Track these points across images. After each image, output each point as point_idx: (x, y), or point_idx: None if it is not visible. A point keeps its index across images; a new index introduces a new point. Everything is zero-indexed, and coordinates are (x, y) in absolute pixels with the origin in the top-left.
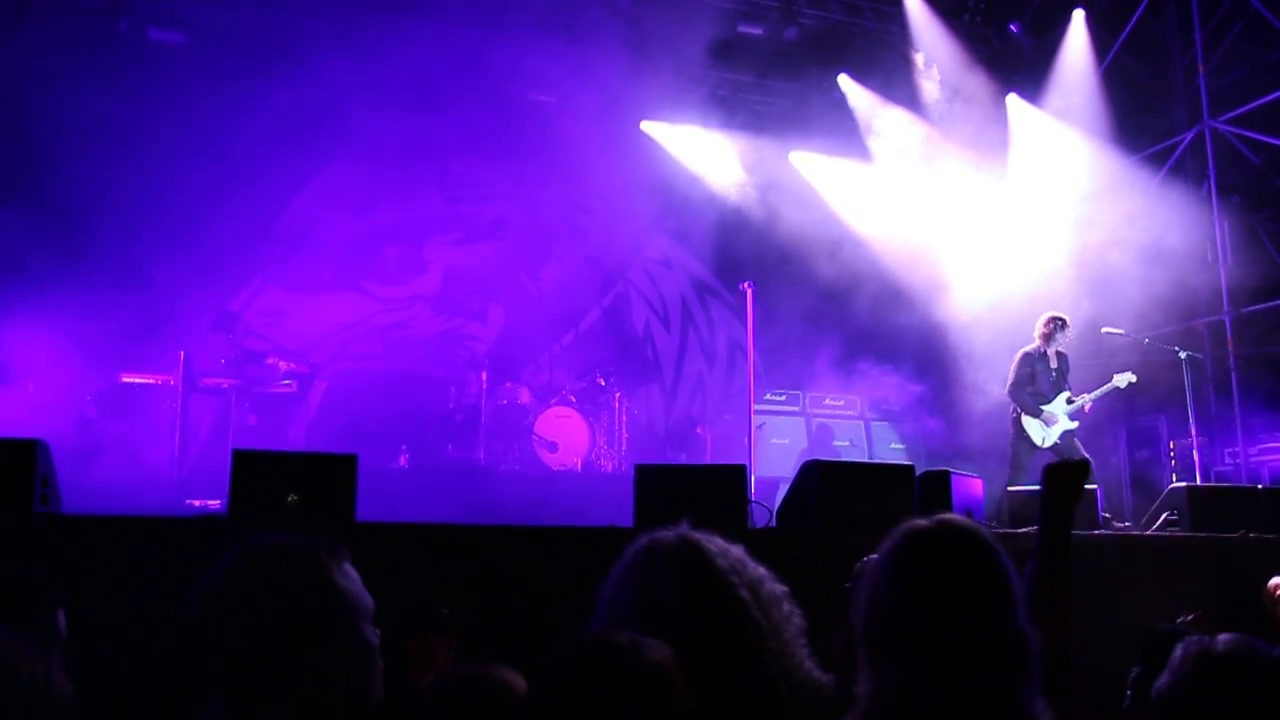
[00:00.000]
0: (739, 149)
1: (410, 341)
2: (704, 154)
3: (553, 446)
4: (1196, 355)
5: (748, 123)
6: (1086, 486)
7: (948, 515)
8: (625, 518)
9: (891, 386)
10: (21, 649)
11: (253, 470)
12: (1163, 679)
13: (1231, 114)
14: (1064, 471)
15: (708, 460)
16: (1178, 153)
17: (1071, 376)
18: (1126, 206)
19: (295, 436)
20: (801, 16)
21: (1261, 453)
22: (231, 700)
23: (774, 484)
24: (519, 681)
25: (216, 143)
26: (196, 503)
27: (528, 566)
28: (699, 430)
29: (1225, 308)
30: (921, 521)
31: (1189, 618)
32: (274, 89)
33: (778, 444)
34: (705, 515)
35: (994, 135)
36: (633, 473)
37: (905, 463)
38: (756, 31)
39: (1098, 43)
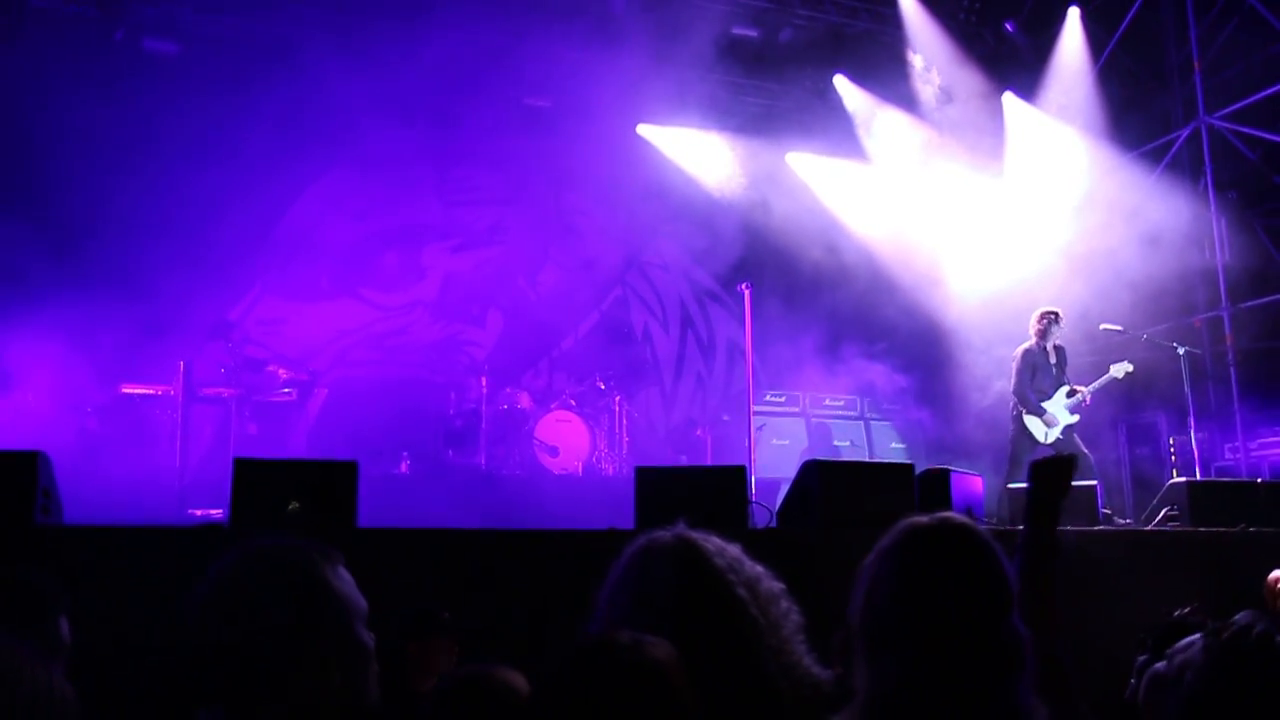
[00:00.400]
0: (735, 151)
1: (410, 348)
2: (701, 156)
3: (553, 450)
4: (1195, 351)
5: (744, 125)
6: (1087, 483)
7: (946, 513)
8: (626, 521)
9: (890, 384)
10: (24, 655)
11: (254, 479)
12: (1162, 666)
13: (1227, 110)
14: (1051, 467)
15: (708, 462)
16: (1174, 149)
17: (1072, 374)
18: (1123, 203)
19: (296, 444)
20: (796, 18)
21: (1261, 447)
22: (227, 702)
23: (775, 484)
24: (521, 682)
25: (213, 151)
26: (198, 512)
27: (529, 570)
28: (699, 432)
29: (1223, 303)
30: (920, 519)
31: (1185, 610)
32: (270, 97)
33: (778, 445)
34: (706, 517)
35: (990, 134)
36: (633, 475)
37: (905, 462)
38: (752, 34)
39: (1093, 40)
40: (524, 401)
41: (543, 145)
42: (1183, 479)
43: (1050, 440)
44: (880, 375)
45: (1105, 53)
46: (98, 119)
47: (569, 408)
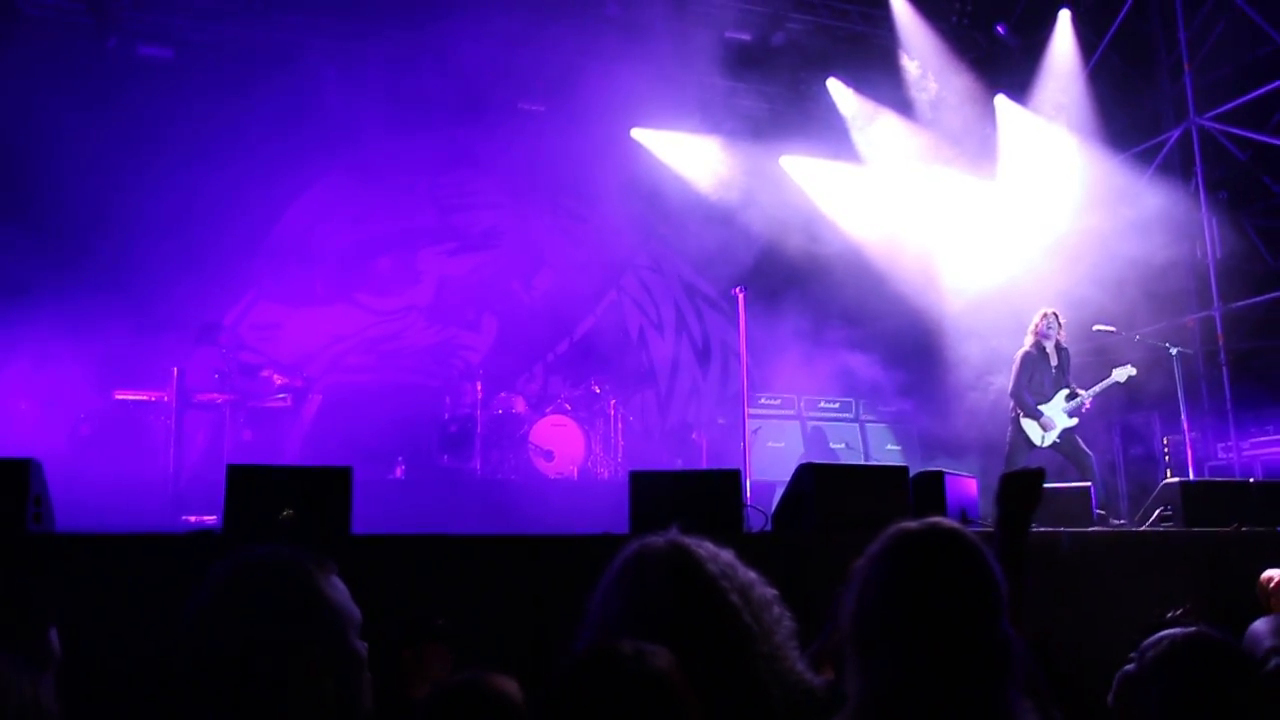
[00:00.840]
0: (729, 154)
1: (404, 353)
2: (694, 159)
3: (549, 455)
4: (1187, 351)
5: (737, 128)
6: (1081, 484)
7: (936, 518)
8: (621, 525)
9: (886, 386)
10: (10, 670)
11: (248, 485)
12: (1131, 668)
13: (1217, 111)
14: (1020, 480)
15: (704, 465)
16: (1165, 150)
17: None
18: (1115, 204)
19: (290, 450)
20: (789, 21)
21: (1254, 446)
22: (221, 712)
23: (771, 487)
24: (515, 690)
25: (208, 157)
26: (192, 519)
27: (524, 576)
28: (694, 436)
29: (1215, 303)
30: (910, 524)
31: (1177, 612)
32: (264, 103)
33: (773, 447)
34: (701, 521)
35: (982, 136)
36: (628, 480)
37: (900, 464)
38: (745, 37)
39: (1084, 42)
40: (519, 406)
41: (538, 149)
42: (1176, 479)
43: (1047, 443)
44: (875, 377)
45: (1096, 54)
46: (91, 125)
47: (564, 412)
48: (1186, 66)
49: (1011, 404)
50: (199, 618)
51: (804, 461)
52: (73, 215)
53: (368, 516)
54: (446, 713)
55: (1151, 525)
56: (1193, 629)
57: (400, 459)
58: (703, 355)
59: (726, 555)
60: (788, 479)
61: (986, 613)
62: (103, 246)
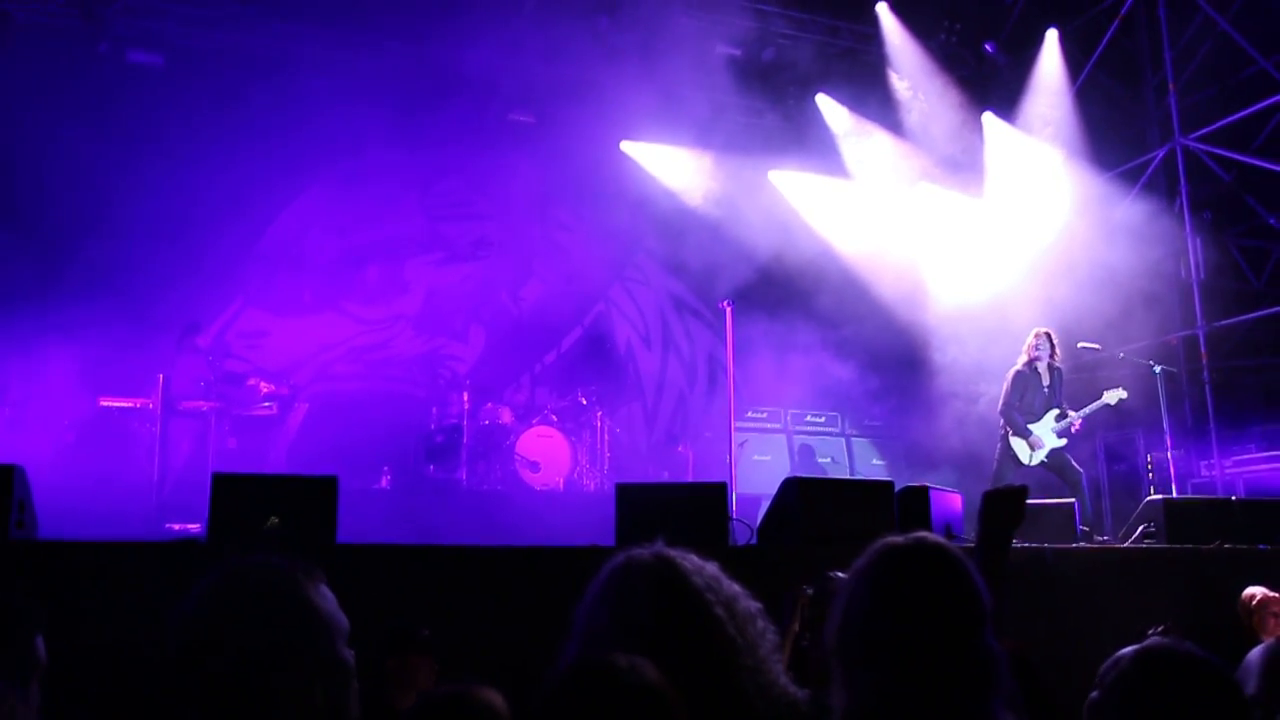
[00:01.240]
0: (718, 168)
1: (391, 362)
2: (683, 173)
3: (535, 466)
4: (1171, 369)
5: (726, 142)
6: (1065, 500)
7: (921, 533)
8: (608, 537)
9: (871, 400)
10: None
11: (233, 493)
12: (1096, 695)
13: (1202, 131)
14: (1003, 498)
15: (690, 478)
16: (1150, 170)
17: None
18: (1100, 222)
19: (276, 459)
20: (779, 37)
21: (1236, 464)
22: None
23: (756, 501)
24: (500, 702)
25: (197, 164)
26: (176, 526)
27: (510, 587)
28: (680, 448)
29: (1199, 322)
30: (895, 539)
31: (1159, 629)
32: (255, 111)
33: (759, 461)
34: (687, 533)
35: (970, 153)
36: (614, 492)
37: (885, 479)
38: (735, 52)
39: (1071, 62)
40: (506, 417)
41: (527, 161)
42: (1159, 496)
43: (1034, 462)
44: (861, 392)
45: (1083, 74)
46: (81, 131)
47: (551, 423)
48: (1172, 87)
49: (1001, 421)
50: (188, 625)
51: (790, 475)
52: (59, 221)
53: (353, 526)
54: None
55: (1135, 542)
56: (1142, 644)
57: (386, 469)
58: (690, 368)
59: (712, 568)
60: (773, 492)
61: (971, 627)
62: (89, 252)
